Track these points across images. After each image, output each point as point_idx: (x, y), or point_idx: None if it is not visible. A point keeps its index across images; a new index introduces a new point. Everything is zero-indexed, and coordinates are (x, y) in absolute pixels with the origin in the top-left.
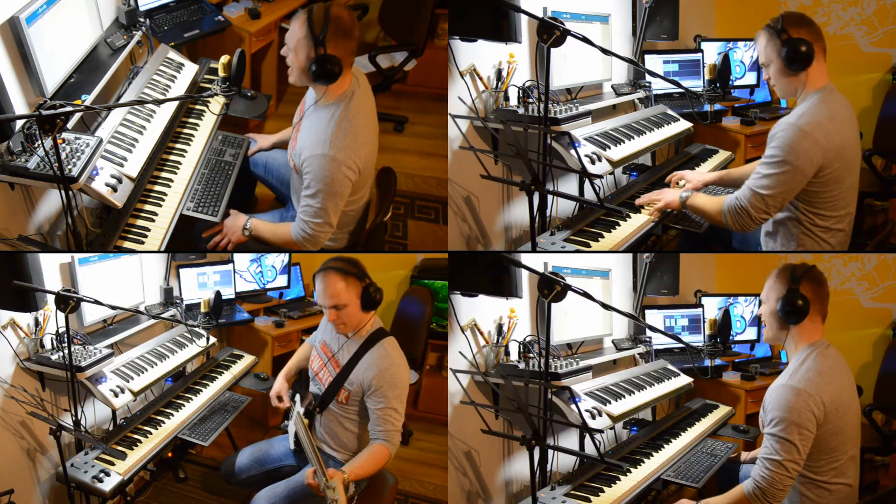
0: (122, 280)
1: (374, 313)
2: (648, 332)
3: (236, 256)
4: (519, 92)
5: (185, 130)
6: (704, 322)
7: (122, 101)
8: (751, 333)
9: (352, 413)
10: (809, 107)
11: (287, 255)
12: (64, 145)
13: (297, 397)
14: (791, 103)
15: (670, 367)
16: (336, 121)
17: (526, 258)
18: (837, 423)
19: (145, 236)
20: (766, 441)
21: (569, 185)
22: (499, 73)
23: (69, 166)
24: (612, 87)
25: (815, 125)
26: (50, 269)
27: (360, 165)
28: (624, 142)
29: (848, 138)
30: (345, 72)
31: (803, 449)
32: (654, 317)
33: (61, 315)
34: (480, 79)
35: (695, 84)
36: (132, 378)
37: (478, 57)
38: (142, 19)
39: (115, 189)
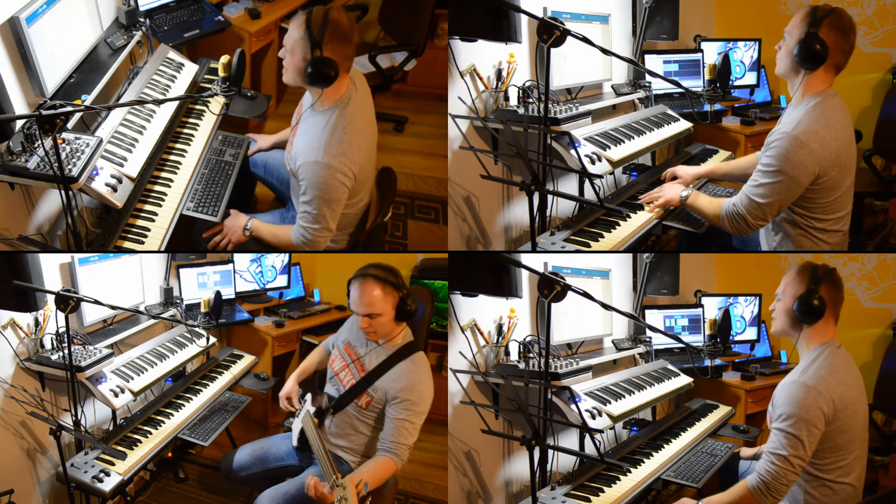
0: (122, 280)
1: (406, 325)
2: (648, 332)
3: (236, 256)
4: (519, 92)
5: (185, 130)
6: (704, 322)
7: (122, 101)
8: (751, 333)
9: (370, 419)
10: (805, 114)
11: (287, 255)
12: (64, 145)
13: (308, 396)
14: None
15: (670, 367)
16: (330, 127)
17: (526, 258)
18: (845, 422)
19: (145, 236)
20: (774, 436)
21: (569, 185)
22: (499, 73)
23: (69, 166)
24: (612, 87)
25: (811, 134)
26: (50, 269)
27: (356, 171)
28: (624, 142)
29: (843, 143)
30: (341, 76)
31: (810, 446)
32: (654, 317)
33: (61, 315)
34: (480, 79)
35: (695, 84)
36: (132, 378)
37: (478, 57)
38: (142, 19)
39: (115, 189)
